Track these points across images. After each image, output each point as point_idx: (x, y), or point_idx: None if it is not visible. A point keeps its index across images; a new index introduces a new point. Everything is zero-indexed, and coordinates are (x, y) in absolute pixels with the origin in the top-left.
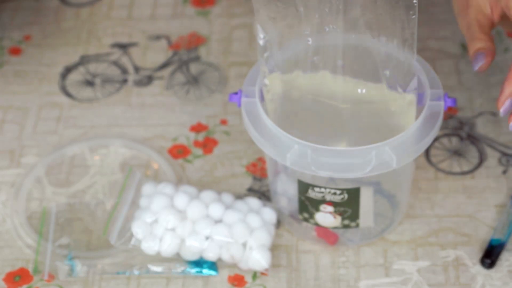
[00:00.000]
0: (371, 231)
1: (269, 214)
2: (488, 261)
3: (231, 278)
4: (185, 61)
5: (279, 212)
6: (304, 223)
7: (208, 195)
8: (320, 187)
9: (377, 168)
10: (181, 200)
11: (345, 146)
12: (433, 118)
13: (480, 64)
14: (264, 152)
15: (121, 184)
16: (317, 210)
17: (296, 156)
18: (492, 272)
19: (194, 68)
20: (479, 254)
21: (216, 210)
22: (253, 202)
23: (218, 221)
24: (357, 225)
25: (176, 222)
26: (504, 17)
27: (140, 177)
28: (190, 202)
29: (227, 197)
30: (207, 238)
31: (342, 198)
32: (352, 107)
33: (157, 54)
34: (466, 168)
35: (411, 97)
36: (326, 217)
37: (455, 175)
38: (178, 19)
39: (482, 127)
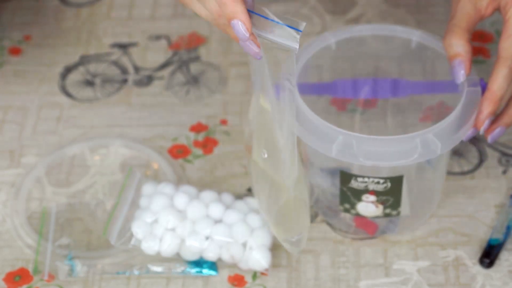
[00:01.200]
0: (411, 221)
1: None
2: (487, 260)
3: (231, 278)
4: (185, 61)
5: (317, 204)
6: (343, 214)
7: (208, 195)
8: (363, 176)
9: (422, 155)
10: (181, 200)
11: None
12: (472, 104)
13: (461, 78)
14: (301, 145)
15: (121, 184)
16: (359, 200)
17: (341, 147)
18: (492, 272)
19: (194, 68)
20: (479, 254)
21: (216, 210)
22: (253, 202)
23: (218, 221)
24: (398, 214)
25: (176, 222)
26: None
27: (140, 177)
28: (190, 202)
29: (227, 197)
30: (207, 238)
31: (385, 187)
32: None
33: (157, 54)
34: (466, 168)
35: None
36: (368, 206)
37: (455, 175)
38: (178, 19)
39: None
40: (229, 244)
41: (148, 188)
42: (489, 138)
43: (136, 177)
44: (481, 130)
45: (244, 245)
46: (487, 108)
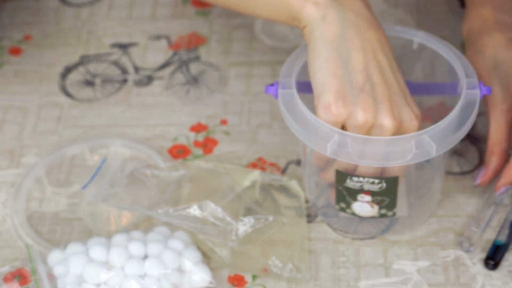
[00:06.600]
0: (410, 220)
1: (182, 235)
2: (492, 262)
3: (231, 278)
4: (185, 61)
5: (316, 204)
6: (341, 214)
7: (119, 238)
8: (358, 176)
9: (417, 156)
10: (98, 252)
11: None
12: (470, 106)
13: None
14: (300, 144)
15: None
16: (355, 199)
17: (336, 145)
18: (492, 272)
19: (194, 68)
20: (479, 254)
21: (136, 248)
22: (163, 230)
23: (145, 257)
24: (394, 214)
25: (103, 274)
26: None
27: (40, 251)
28: (108, 251)
29: (136, 234)
30: (142, 277)
31: (381, 188)
32: None
33: (157, 54)
34: (466, 168)
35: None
36: (363, 206)
37: (455, 175)
38: (178, 19)
39: (482, 127)
40: (166, 274)
41: (55, 256)
42: (497, 194)
43: (36, 251)
44: (497, 194)
45: (179, 269)
46: (506, 178)
